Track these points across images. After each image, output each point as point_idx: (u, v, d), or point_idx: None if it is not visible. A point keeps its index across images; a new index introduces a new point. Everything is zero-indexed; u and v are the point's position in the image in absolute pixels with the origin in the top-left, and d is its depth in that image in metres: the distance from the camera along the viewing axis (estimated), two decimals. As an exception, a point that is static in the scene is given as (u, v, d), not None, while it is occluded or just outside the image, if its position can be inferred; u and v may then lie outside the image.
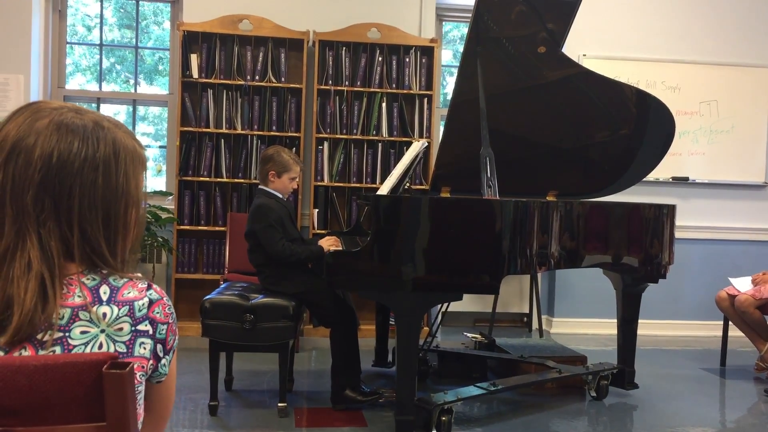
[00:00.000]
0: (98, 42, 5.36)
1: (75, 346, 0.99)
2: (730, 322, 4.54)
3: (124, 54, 5.51)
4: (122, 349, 1.02)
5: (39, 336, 0.98)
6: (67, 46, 5.26)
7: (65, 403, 0.95)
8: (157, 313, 1.07)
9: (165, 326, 1.08)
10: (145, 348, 1.05)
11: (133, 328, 1.04)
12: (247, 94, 5.00)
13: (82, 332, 1.00)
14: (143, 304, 1.06)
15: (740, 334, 4.52)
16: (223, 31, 4.95)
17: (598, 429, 3.41)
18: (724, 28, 5.59)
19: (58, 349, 0.99)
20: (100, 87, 5.36)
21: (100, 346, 1.00)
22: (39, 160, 1.02)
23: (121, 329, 1.03)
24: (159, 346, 1.07)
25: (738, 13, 5.61)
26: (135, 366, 1.03)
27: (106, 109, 5.43)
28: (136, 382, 1.03)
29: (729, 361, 4.63)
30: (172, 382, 1.16)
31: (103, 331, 1.01)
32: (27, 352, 0.98)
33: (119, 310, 1.04)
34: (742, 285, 4.47)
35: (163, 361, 1.09)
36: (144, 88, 5.47)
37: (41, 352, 0.98)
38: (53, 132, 1.04)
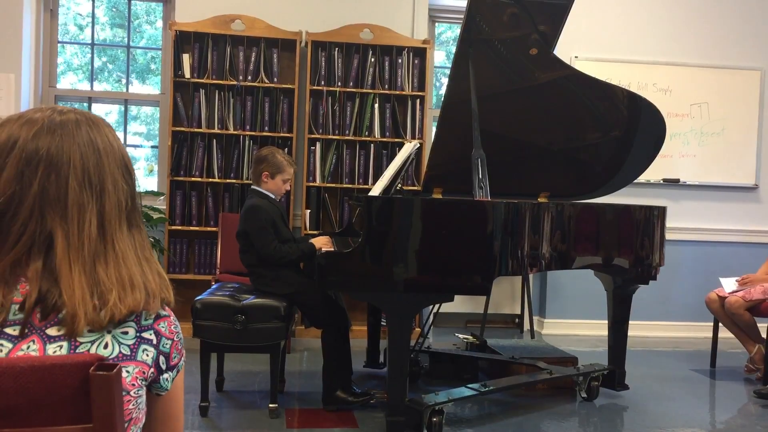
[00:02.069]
0: (90, 41, 5.34)
1: (81, 343, 1.01)
2: (720, 324, 4.56)
3: (116, 53, 5.49)
4: (126, 351, 1.04)
5: (49, 331, 1.00)
6: (59, 45, 5.23)
7: (52, 404, 0.94)
8: (163, 327, 1.09)
9: (169, 342, 1.10)
10: (147, 355, 1.06)
11: (137, 335, 1.06)
12: (240, 94, 4.99)
13: (89, 331, 1.01)
14: (149, 315, 1.08)
15: (730, 335, 4.55)
16: (216, 31, 4.94)
17: (589, 430, 3.42)
18: (714, 31, 5.62)
19: (65, 345, 1.00)
20: (92, 86, 5.34)
21: (106, 346, 1.02)
22: (72, 172, 1.04)
23: (126, 333, 1.05)
24: (162, 358, 1.09)
25: (728, 16, 5.64)
26: (136, 370, 1.05)
27: (98, 109, 5.41)
28: (136, 386, 1.04)
29: (719, 363, 4.65)
30: (178, 403, 1.17)
31: (109, 332, 1.03)
32: (35, 345, 0.99)
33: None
34: (729, 285, 4.49)
35: (165, 375, 1.10)
36: (136, 88, 5.45)
37: (49, 346, 0.99)
38: (79, 145, 1.06)
